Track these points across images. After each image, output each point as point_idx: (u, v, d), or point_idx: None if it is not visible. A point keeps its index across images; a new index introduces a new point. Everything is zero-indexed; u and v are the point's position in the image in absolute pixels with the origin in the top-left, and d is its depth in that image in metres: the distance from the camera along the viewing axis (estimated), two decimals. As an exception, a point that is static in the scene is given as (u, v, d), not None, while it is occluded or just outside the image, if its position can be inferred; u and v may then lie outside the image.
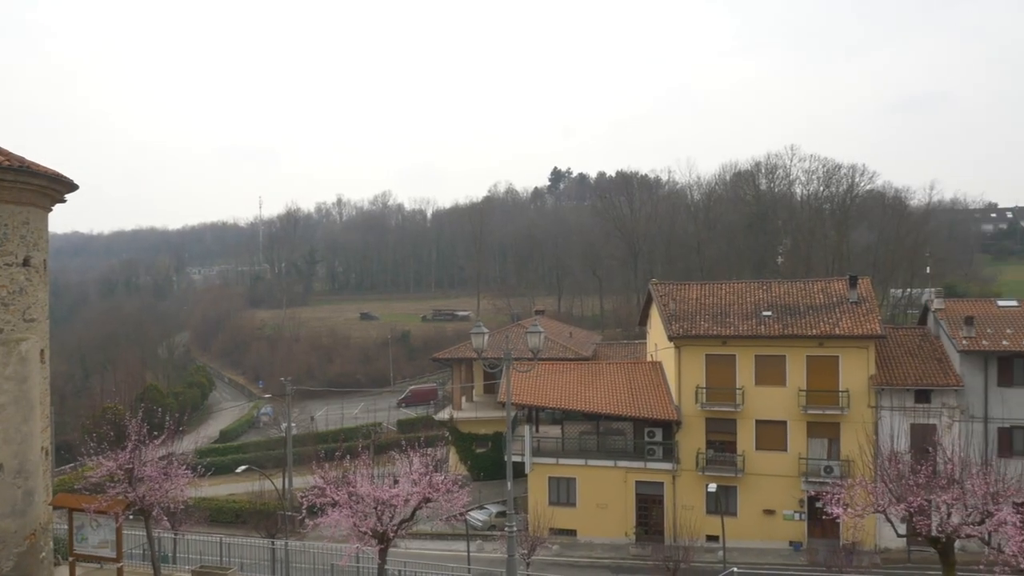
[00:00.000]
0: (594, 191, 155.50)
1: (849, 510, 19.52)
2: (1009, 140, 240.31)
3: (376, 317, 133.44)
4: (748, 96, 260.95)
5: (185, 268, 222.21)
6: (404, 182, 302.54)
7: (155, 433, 21.58)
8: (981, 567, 18.19)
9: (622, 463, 44.43)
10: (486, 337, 23.25)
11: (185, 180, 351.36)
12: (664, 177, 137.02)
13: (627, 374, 47.83)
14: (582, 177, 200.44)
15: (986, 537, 17.80)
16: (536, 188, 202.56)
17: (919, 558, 38.52)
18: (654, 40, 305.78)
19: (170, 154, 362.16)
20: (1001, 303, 45.89)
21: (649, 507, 44.19)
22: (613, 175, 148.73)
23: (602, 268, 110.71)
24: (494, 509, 48.69)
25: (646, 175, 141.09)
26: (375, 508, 19.66)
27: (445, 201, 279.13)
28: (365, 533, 19.78)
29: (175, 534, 31.86)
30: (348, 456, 21.49)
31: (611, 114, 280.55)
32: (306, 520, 21.59)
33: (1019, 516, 17.29)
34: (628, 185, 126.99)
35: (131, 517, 22.32)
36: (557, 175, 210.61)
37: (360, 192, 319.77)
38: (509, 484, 23.98)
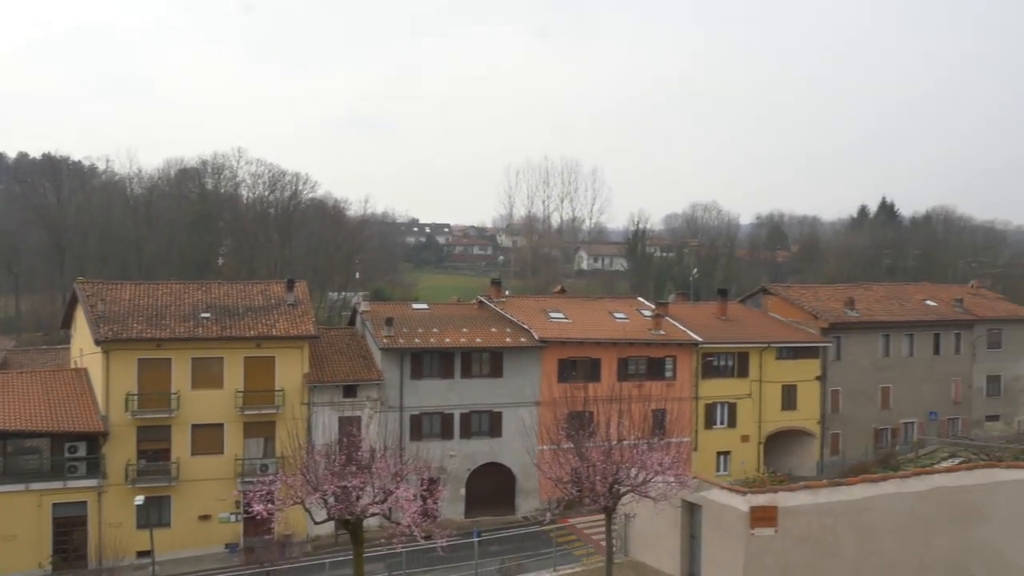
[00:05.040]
0: (12, 173, 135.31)
1: (271, 505, 20.31)
2: (428, 163, 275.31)
3: None
4: (199, 90, 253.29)
5: None
6: None
7: None
8: (382, 540, 20.56)
9: (36, 485, 39.20)
10: None
11: None
12: (101, 166, 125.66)
13: (44, 384, 42.56)
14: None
15: (388, 513, 20.18)
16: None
17: (346, 540, 41.75)
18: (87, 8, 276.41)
19: None
20: (415, 306, 52.85)
21: (70, 531, 39.84)
22: (38, 157, 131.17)
23: (20, 263, 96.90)
24: None
25: (79, 161, 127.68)
26: None
27: None
28: None
29: None
30: None
31: (30, 81, 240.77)
32: None
33: (412, 491, 20.00)
34: (56, 170, 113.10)
35: None
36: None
37: None
38: None
